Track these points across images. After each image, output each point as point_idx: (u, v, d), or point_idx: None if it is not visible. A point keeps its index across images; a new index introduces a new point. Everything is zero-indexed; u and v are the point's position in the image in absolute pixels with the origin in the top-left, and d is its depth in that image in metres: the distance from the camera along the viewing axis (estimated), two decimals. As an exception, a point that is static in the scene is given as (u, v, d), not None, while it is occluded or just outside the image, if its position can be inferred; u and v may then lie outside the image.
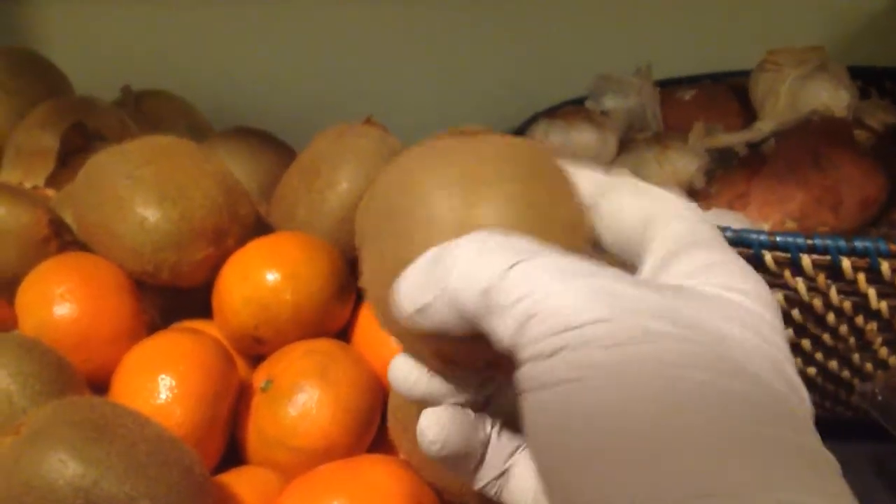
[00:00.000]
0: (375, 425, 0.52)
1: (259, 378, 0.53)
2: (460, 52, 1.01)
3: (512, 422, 0.35)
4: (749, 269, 0.31)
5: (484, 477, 0.34)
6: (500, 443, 0.35)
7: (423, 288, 0.30)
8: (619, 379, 0.26)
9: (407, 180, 0.32)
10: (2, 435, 0.42)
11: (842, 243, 0.55)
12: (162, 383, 0.48)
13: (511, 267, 0.28)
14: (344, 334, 0.58)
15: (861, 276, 0.56)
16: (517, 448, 0.35)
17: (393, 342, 0.34)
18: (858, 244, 0.55)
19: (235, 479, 0.49)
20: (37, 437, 0.40)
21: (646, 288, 0.28)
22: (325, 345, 0.53)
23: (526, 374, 0.27)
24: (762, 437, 0.25)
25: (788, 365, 0.29)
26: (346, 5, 0.99)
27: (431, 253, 0.30)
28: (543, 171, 0.33)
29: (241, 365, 0.55)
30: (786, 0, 1.01)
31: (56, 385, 0.46)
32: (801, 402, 0.28)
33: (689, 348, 0.26)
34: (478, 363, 0.33)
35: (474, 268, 0.28)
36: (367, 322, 0.57)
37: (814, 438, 0.27)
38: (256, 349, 0.55)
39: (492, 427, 0.35)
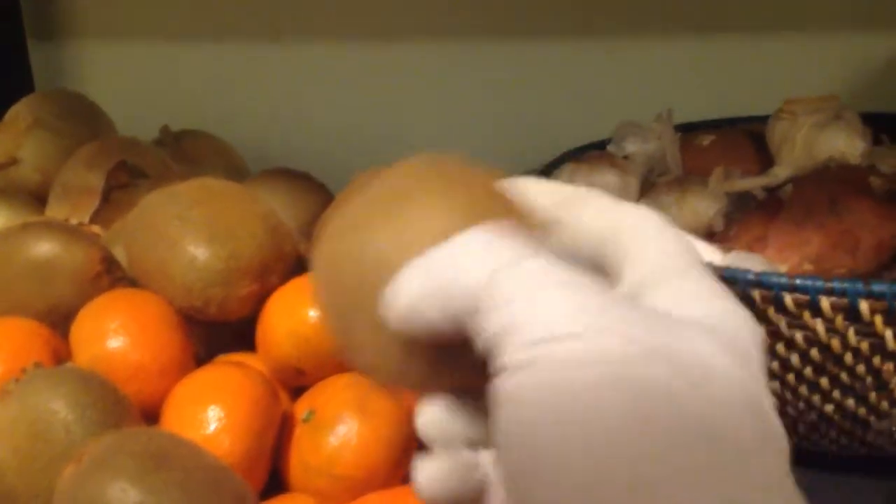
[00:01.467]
0: (412, 454, 0.54)
1: (301, 409, 0.55)
2: (492, 99, 1.04)
3: None
4: (733, 298, 0.29)
5: None
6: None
7: (414, 292, 0.28)
8: (580, 405, 0.24)
9: (346, 248, 0.32)
10: (60, 465, 0.44)
11: (860, 286, 0.57)
12: (211, 414, 0.50)
13: (497, 270, 0.27)
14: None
15: (878, 318, 0.57)
16: None
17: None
18: (876, 287, 0.56)
19: (280, 506, 0.51)
20: (98, 466, 0.42)
21: (629, 307, 0.26)
22: (364, 378, 0.55)
23: (495, 386, 0.26)
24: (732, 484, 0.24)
25: (768, 402, 0.27)
26: (378, 49, 1.02)
27: (416, 263, 0.29)
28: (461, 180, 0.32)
29: (283, 396, 0.57)
30: (800, 47, 1.03)
31: (112, 416, 0.48)
32: (777, 438, 0.26)
33: (662, 378, 0.24)
34: (455, 382, 0.32)
35: (461, 271, 0.27)
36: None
37: (787, 480, 0.26)
38: (298, 381, 0.57)
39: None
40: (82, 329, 0.55)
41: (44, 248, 0.57)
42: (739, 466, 0.24)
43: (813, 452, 0.70)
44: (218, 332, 0.61)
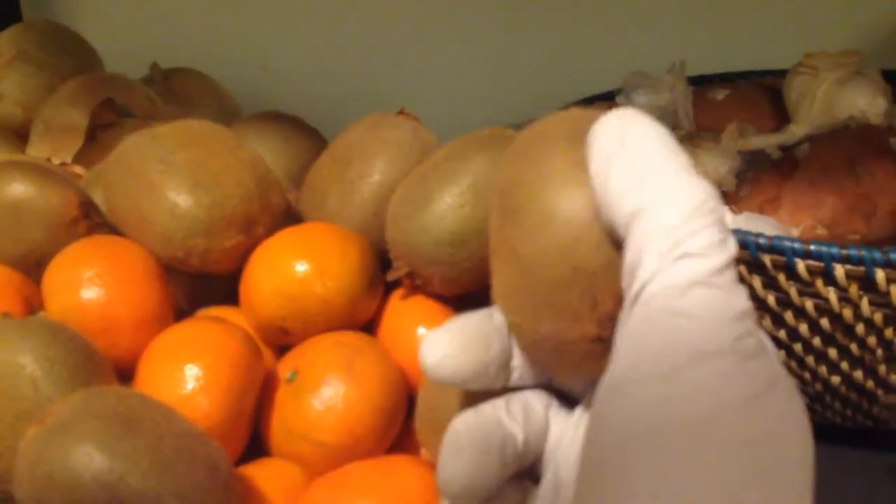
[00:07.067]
0: (400, 422, 0.52)
1: (285, 368, 0.53)
2: (493, 45, 1.00)
3: None
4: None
5: None
6: None
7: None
8: None
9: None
10: (27, 422, 0.42)
11: (877, 255, 0.55)
12: (188, 373, 0.48)
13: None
14: (369, 327, 0.57)
15: (894, 289, 0.55)
16: None
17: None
18: (894, 256, 0.54)
19: (259, 472, 0.49)
20: (63, 429, 0.40)
21: None
22: (352, 338, 0.53)
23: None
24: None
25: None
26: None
27: None
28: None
29: (266, 354, 0.54)
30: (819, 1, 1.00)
31: (83, 372, 0.46)
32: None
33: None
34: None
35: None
36: (393, 316, 0.57)
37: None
38: (283, 340, 0.55)
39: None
40: (55, 277, 0.52)
41: (17, 189, 0.54)
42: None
43: (816, 424, 0.69)
44: (204, 285, 0.58)
